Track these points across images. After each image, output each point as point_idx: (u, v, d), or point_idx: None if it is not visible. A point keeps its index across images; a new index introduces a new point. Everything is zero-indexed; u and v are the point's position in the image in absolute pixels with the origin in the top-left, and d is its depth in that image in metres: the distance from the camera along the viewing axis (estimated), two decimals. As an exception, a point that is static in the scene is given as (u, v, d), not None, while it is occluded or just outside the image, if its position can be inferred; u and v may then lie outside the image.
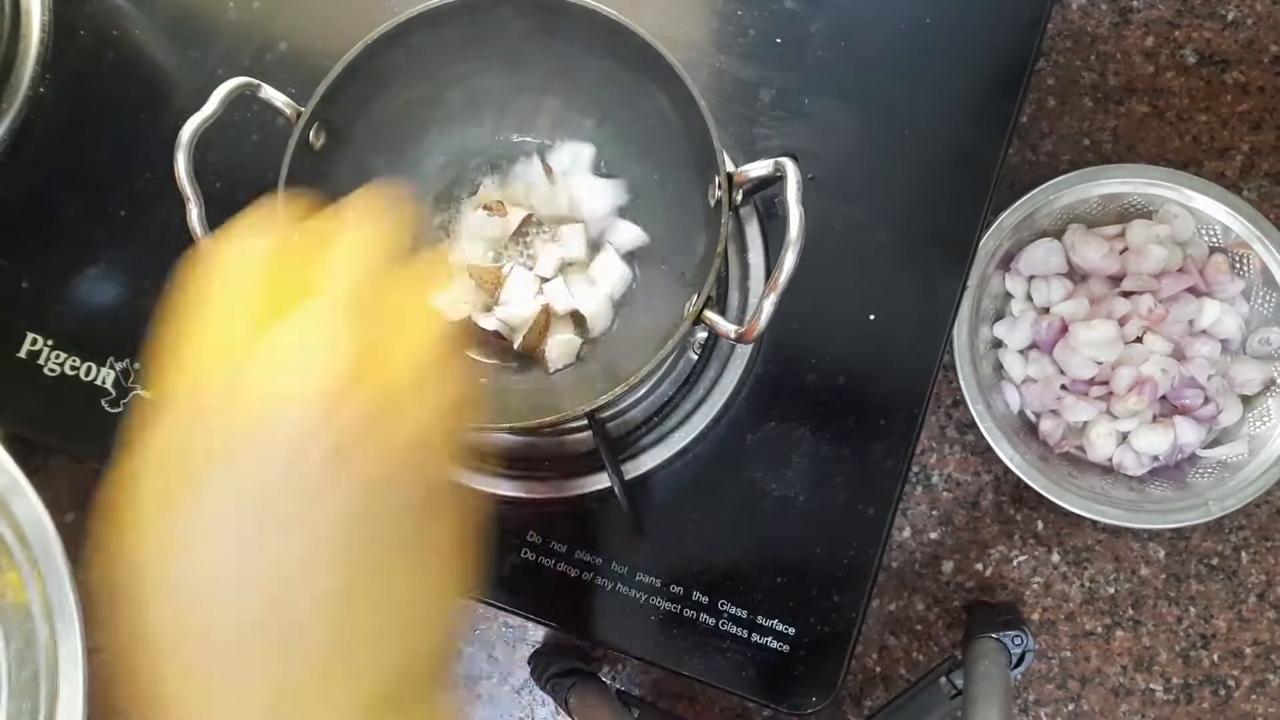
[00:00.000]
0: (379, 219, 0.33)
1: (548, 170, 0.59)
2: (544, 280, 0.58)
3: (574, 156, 0.59)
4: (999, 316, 0.84)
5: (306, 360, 0.29)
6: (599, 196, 0.58)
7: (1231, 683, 0.83)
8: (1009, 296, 0.83)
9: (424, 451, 0.30)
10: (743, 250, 0.62)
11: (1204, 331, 0.80)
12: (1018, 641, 0.75)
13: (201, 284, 0.31)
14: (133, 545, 0.29)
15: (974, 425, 0.78)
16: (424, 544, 0.31)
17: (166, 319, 0.31)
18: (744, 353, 0.61)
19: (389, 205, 0.33)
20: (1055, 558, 0.84)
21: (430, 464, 0.31)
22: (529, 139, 0.60)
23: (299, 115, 0.51)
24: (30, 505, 0.56)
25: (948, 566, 0.84)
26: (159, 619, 0.29)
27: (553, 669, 0.83)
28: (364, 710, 0.30)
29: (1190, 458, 0.81)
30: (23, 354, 0.62)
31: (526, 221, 0.58)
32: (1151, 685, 0.83)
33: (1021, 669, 0.76)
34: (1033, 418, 0.83)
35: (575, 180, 0.59)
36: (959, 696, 0.73)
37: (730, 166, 0.51)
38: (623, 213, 0.59)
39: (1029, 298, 0.82)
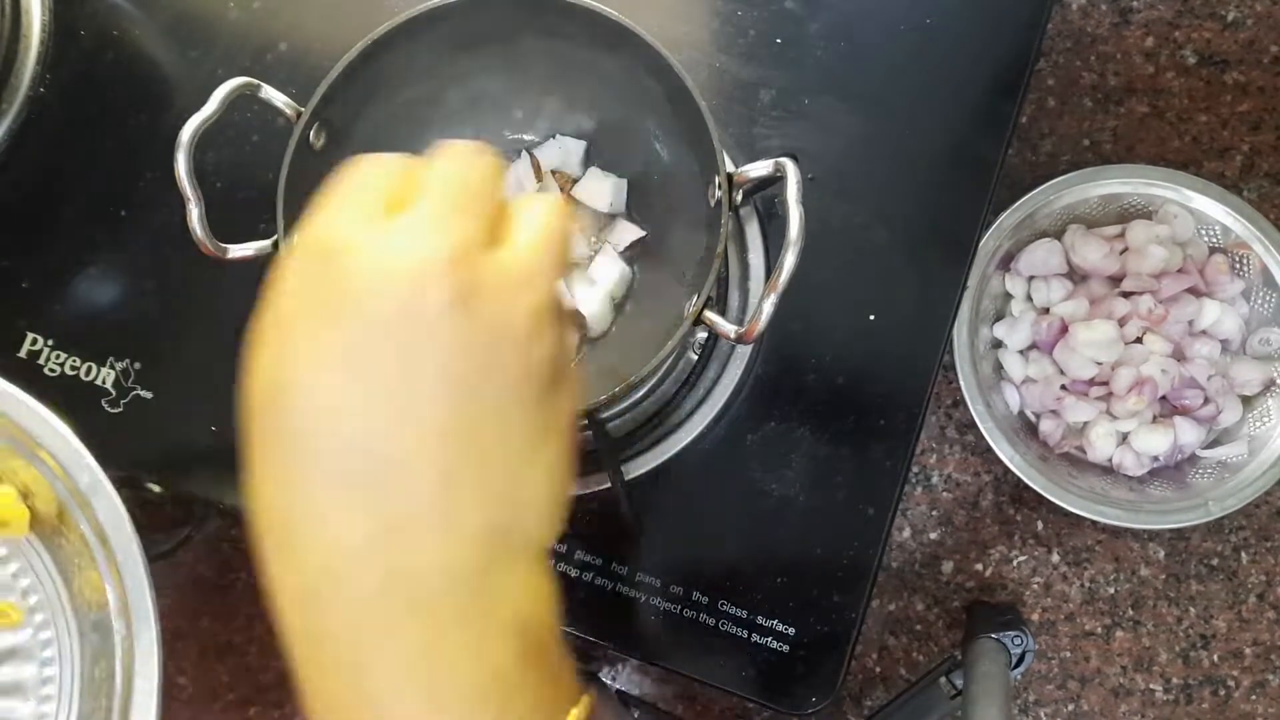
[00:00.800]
0: (485, 153, 0.36)
1: (536, 167, 0.59)
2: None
3: (564, 153, 0.59)
4: (999, 317, 0.84)
5: (430, 228, 0.32)
6: (598, 195, 0.58)
7: (1231, 683, 0.83)
8: (1009, 297, 0.83)
9: (541, 324, 0.33)
10: (743, 250, 0.62)
11: (1204, 332, 0.80)
12: (1018, 642, 0.75)
13: (332, 186, 0.35)
14: (256, 375, 0.33)
15: (974, 425, 0.78)
16: (537, 411, 0.33)
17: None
18: (744, 353, 0.61)
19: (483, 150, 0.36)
20: (1055, 558, 0.84)
21: (548, 339, 0.33)
22: (529, 138, 0.60)
23: (299, 115, 0.51)
24: (111, 504, 0.56)
25: (948, 567, 0.84)
26: (275, 441, 0.32)
27: (553, 669, 0.83)
28: (470, 540, 0.32)
29: (1190, 458, 0.81)
30: (23, 354, 0.62)
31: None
32: (1151, 685, 0.83)
33: (1021, 669, 0.76)
34: (1033, 418, 0.83)
35: (577, 186, 0.59)
36: (959, 697, 0.73)
37: (730, 166, 0.51)
38: (623, 213, 0.59)
39: (1029, 298, 0.82)
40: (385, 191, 0.34)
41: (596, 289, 0.58)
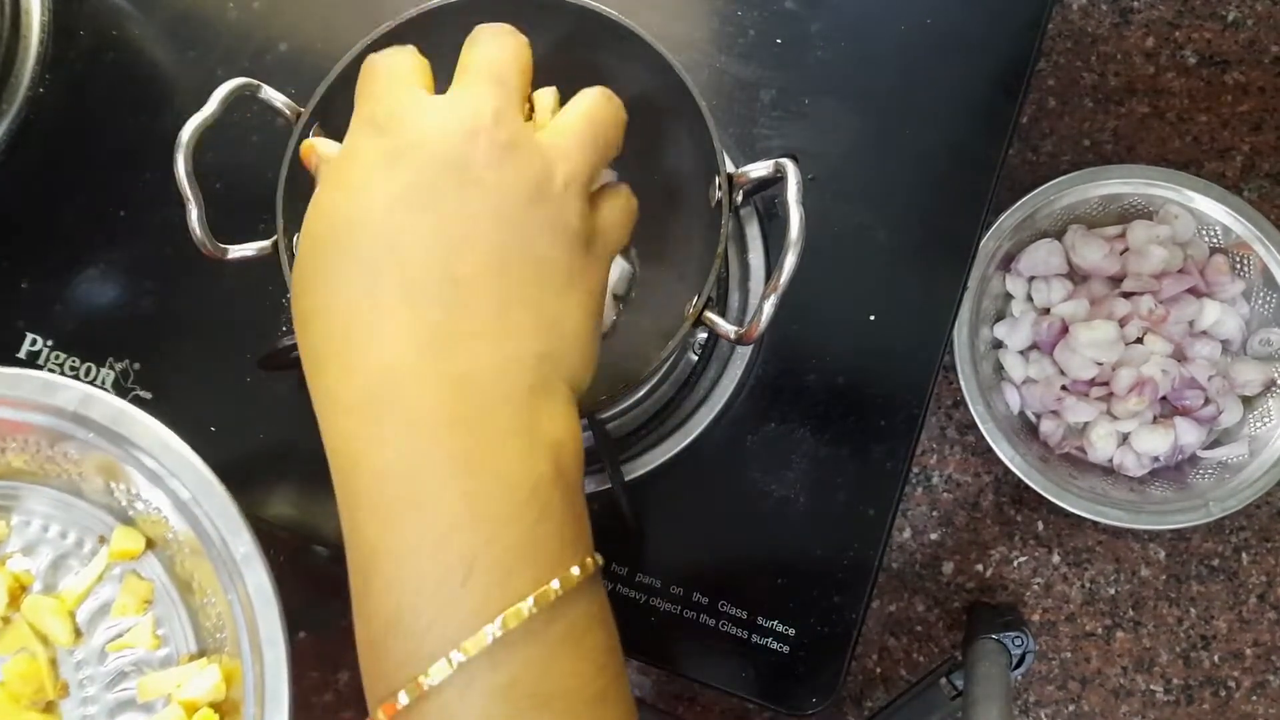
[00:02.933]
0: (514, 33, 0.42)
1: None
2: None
3: None
4: (999, 317, 0.84)
5: (472, 95, 0.38)
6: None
7: (1232, 684, 0.83)
8: (1009, 297, 0.83)
9: (573, 192, 0.38)
10: (743, 251, 0.62)
11: (1204, 332, 0.80)
12: (1018, 642, 0.75)
13: (369, 77, 0.41)
14: (326, 213, 0.37)
15: (974, 426, 0.78)
16: (571, 259, 0.37)
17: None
18: (744, 354, 0.61)
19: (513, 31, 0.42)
20: (1056, 558, 0.84)
21: (579, 206, 0.38)
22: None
23: (299, 115, 0.51)
24: (260, 578, 0.54)
25: (948, 567, 0.84)
26: (344, 263, 0.36)
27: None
28: (517, 365, 0.35)
29: (1191, 459, 0.81)
30: (22, 354, 0.62)
31: None
32: (1152, 686, 0.83)
33: (1022, 670, 0.76)
34: (1033, 418, 0.83)
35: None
36: (959, 698, 0.73)
37: (730, 167, 0.51)
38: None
39: (1029, 298, 0.82)
40: (420, 74, 0.40)
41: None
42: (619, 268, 0.58)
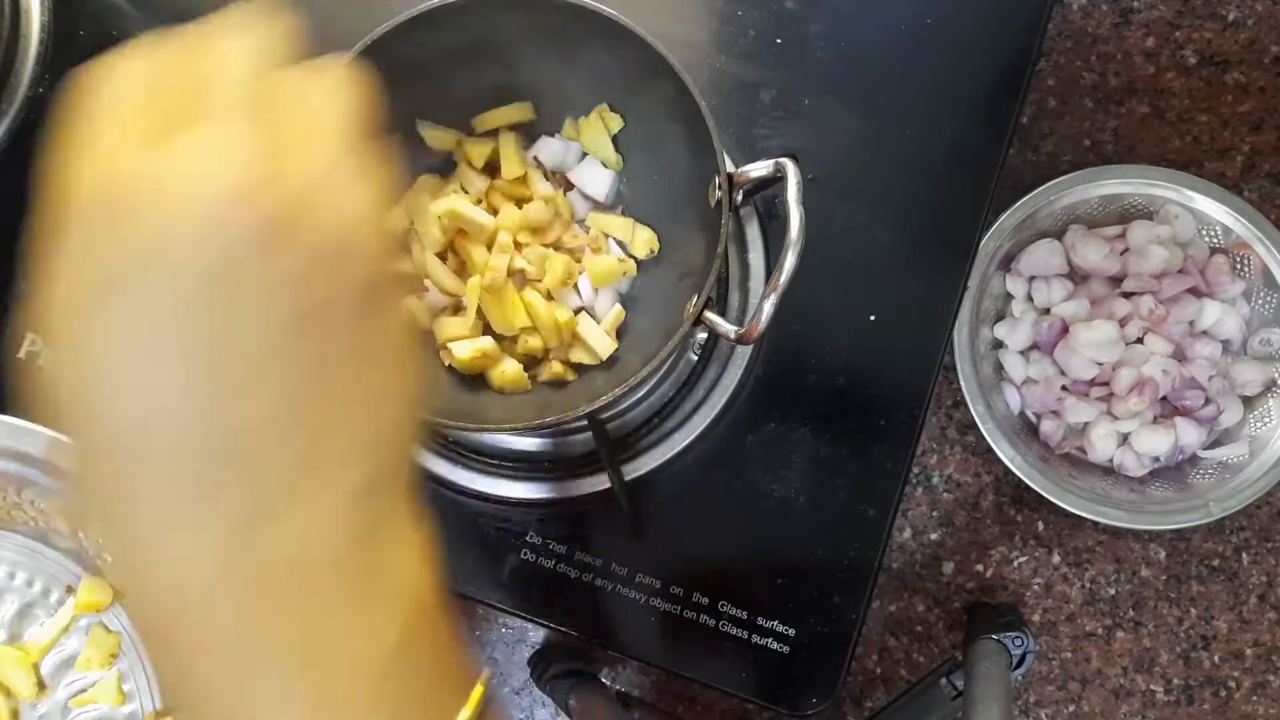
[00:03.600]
0: (256, 26, 0.30)
1: (538, 165, 0.59)
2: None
3: (562, 152, 0.59)
4: (999, 317, 0.84)
5: (214, 155, 0.26)
6: (591, 184, 0.58)
7: (1232, 684, 0.82)
8: (1009, 297, 0.83)
9: (356, 241, 0.27)
10: (743, 251, 0.62)
11: (1205, 332, 0.80)
12: (1018, 643, 0.75)
13: (86, 106, 0.29)
14: (56, 372, 0.27)
15: (974, 426, 0.78)
16: (374, 332, 0.28)
17: (53, 149, 0.29)
18: (744, 354, 0.61)
19: (263, 14, 0.30)
20: (1056, 559, 0.84)
21: (364, 254, 0.28)
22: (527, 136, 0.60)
23: (299, 115, 0.51)
24: None
25: (948, 567, 0.84)
26: (96, 452, 0.27)
27: (553, 670, 0.83)
28: (344, 503, 0.28)
29: (1191, 459, 0.81)
30: (23, 354, 0.62)
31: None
32: (1152, 686, 0.83)
33: (1022, 670, 0.76)
34: (1033, 419, 0.83)
35: (571, 173, 0.59)
36: (959, 698, 0.73)
37: (730, 167, 0.51)
38: (623, 212, 0.59)
39: (1029, 298, 0.82)
40: (155, 99, 0.28)
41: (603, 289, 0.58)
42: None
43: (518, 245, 0.57)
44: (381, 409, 0.29)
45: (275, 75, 0.29)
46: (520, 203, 0.58)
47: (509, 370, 0.55)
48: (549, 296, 0.57)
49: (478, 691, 0.31)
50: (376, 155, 0.30)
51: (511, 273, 0.56)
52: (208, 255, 0.25)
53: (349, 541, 0.28)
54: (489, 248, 0.57)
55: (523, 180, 0.58)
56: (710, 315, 0.49)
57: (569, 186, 0.59)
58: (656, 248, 0.58)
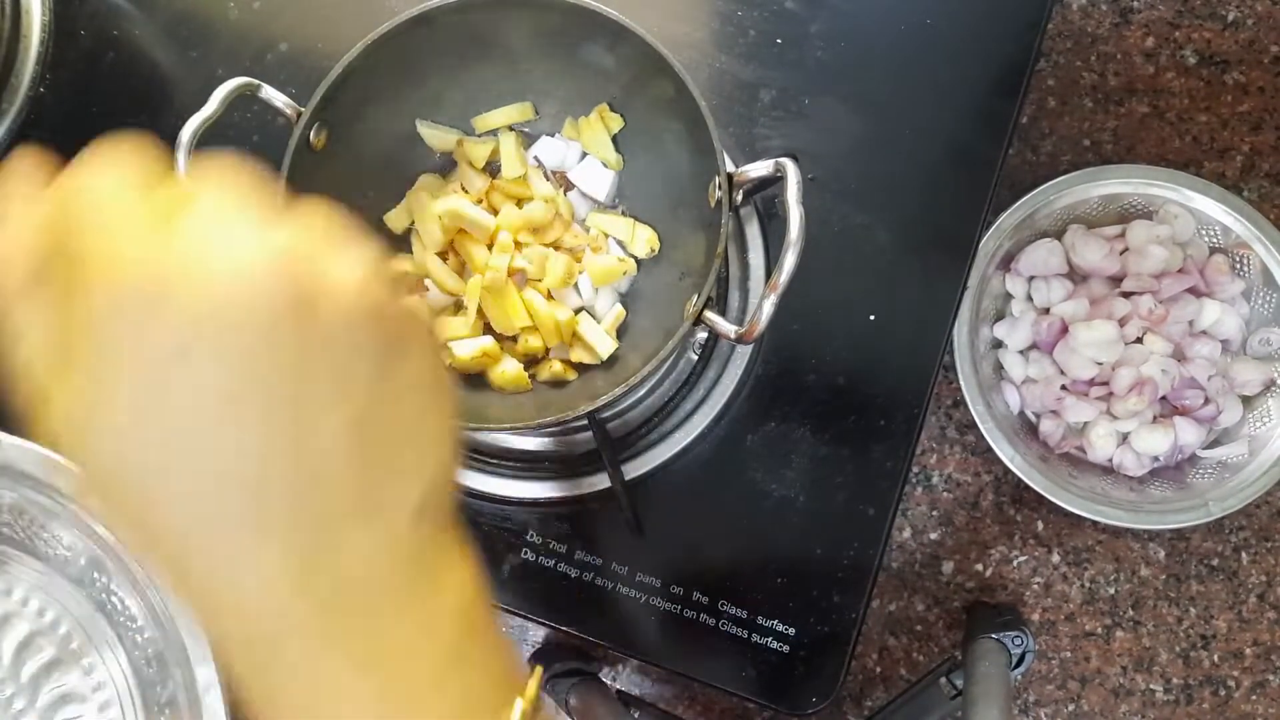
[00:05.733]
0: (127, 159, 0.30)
1: (538, 165, 0.59)
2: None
3: (562, 152, 0.59)
4: (999, 317, 0.84)
5: (232, 229, 0.27)
6: (591, 184, 0.58)
7: (1232, 683, 0.83)
8: (1009, 297, 0.83)
9: (373, 290, 0.29)
10: (743, 250, 0.62)
11: (1204, 332, 0.81)
12: (1018, 642, 0.75)
13: (71, 221, 0.29)
14: (115, 463, 0.28)
15: (974, 426, 0.78)
16: (412, 369, 0.31)
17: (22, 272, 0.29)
18: (744, 353, 0.61)
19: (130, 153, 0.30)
20: (1055, 558, 0.84)
21: (384, 299, 0.30)
22: (527, 133, 0.60)
23: (299, 115, 0.51)
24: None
25: (948, 567, 0.84)
26: (165, 508, 0.28)
27: (553, 669, 0.83)
28: (400, 526, 0.30)
29: (1190, 458, 0.81)
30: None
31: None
32: (1152, 686, 0.83)
33: (1022, 669, 0.76)
34: (1033, 418, 0.83)
35: (571, 173, 0.59)
36: (959, 697, 0.73)
37: (730, 167, 0.51)
38: (623, 212, 0.59)
39: (1029, 298, 0.82)
40: (145, 202, 0.28)
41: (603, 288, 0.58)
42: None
43: (518, 245, 0.57)
44: (426, 436, 0.31)
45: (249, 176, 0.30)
46: (520, 203, 0.58)
47: (509, 370, 0.55)
48: (549, 296, 0.57)
49: (533, 685, 0.34)
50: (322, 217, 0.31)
51: (511, 272, 0.56)
52: (251, 322, 0.27)
53: (406, 560, 0.31)
54: (489, 247, 0.57)
55: (523, 180, 0.58)
56: (710, 315, 0.49)
57: (569, 186, 0.59)
58: (657, 247, 0.58)
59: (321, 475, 0.29)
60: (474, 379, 0.56)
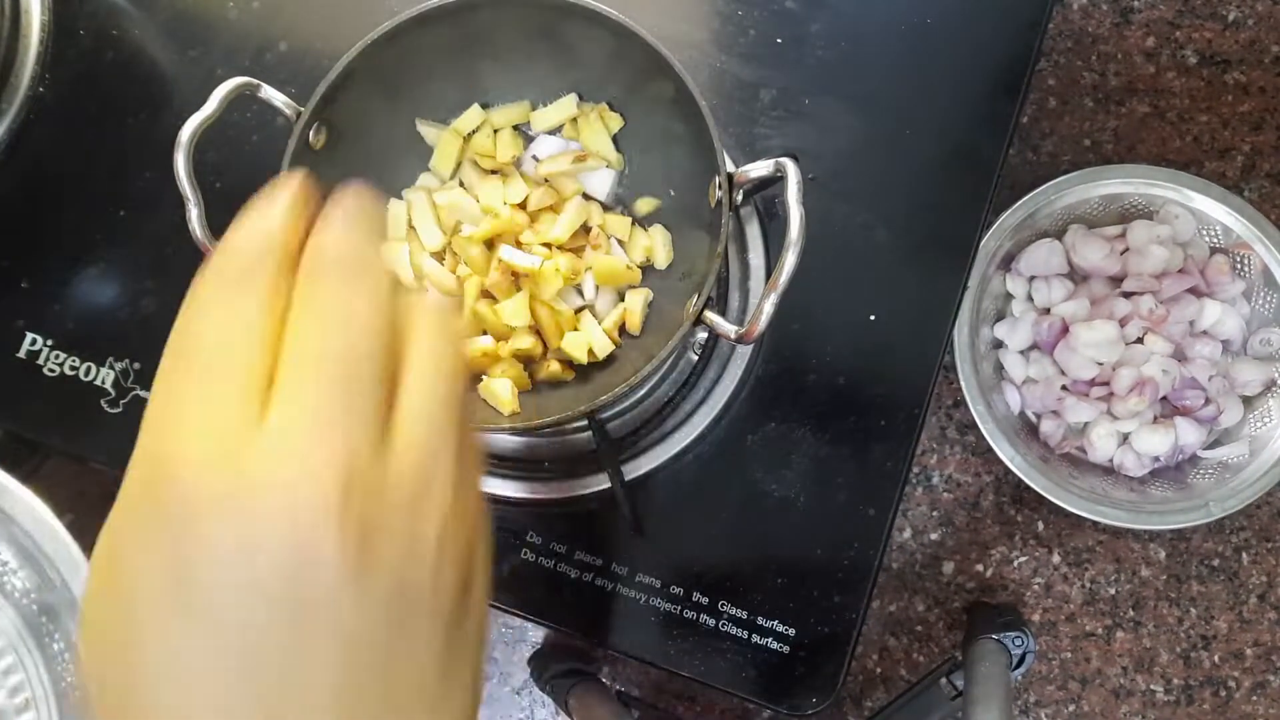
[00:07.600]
0: (368, 246, 0.26)
1: (534, 160, 0.59)
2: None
3: (563, 146, 0.59)
4: (999, 317, 0.84)
5: (298, 457, 0.23)
6: (590, 181, 0.58)
7: (1232, 684, 0.83)
8: (1009, 297, 0.83)
9: (450, 544, 0.25)
10: (743, 250, 0.62)
11: (1205, 332, 0.80)
12: (1018, 642, 0.75)
13: (186, 349, 0.26)
14: (105, 687, 0.24)
15: (974, 426, 0.78)
16: (456, 647, 0.26)
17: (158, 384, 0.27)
18: (744, 353, 0.61)
19: (372, 220, 0.27)
20: (1056, 559, 0.84)
21: (457, 557, 0.25)
22: (527, 133, 0.60)
23: (299, 115, 0.51)
24: None
25: (948, 567, 0.84)
26: None
27: (553, 670, 0.83)
28: None
29: (1191, 459, 0.81)
30: (22, 354, 0.62)
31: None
32: (1152, 686, 0.83)
33: (1022, 670, 0.76)
34: (1033, 418, 0.83)
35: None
36: (959, 697, 0.73)
37: (730, 167, 0.51)
38: (623, 211, 0.59)
39: (1030, 298, 0.82)
40: (252, 361, 0.24)
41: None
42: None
43: (518, 244, 0.57)
44: (442, 709, 0.26)
45: (381, 312, 0.25)
46: (520, 203, 0.58)
47: (509, 370, 0.55)
48: (549, 296, 0.57)
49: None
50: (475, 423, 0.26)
51: (511, 273, 0.56)
52: (284, 578, 0.23)
53: None
54: (489, 247, 0.57)
55: (522, 179, 0.58)
56: (710, 315, 0.49)
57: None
58: (666, 254, 0.58)
59: None
60: (473, 379, 0.56)
